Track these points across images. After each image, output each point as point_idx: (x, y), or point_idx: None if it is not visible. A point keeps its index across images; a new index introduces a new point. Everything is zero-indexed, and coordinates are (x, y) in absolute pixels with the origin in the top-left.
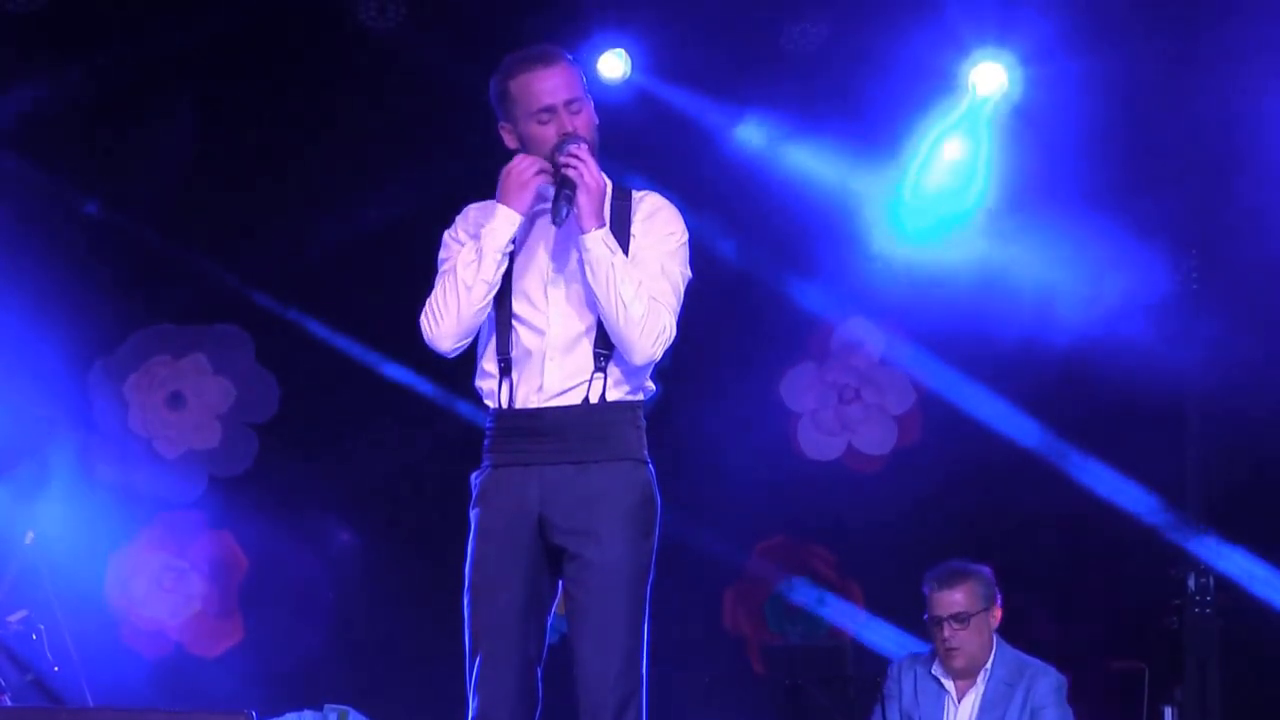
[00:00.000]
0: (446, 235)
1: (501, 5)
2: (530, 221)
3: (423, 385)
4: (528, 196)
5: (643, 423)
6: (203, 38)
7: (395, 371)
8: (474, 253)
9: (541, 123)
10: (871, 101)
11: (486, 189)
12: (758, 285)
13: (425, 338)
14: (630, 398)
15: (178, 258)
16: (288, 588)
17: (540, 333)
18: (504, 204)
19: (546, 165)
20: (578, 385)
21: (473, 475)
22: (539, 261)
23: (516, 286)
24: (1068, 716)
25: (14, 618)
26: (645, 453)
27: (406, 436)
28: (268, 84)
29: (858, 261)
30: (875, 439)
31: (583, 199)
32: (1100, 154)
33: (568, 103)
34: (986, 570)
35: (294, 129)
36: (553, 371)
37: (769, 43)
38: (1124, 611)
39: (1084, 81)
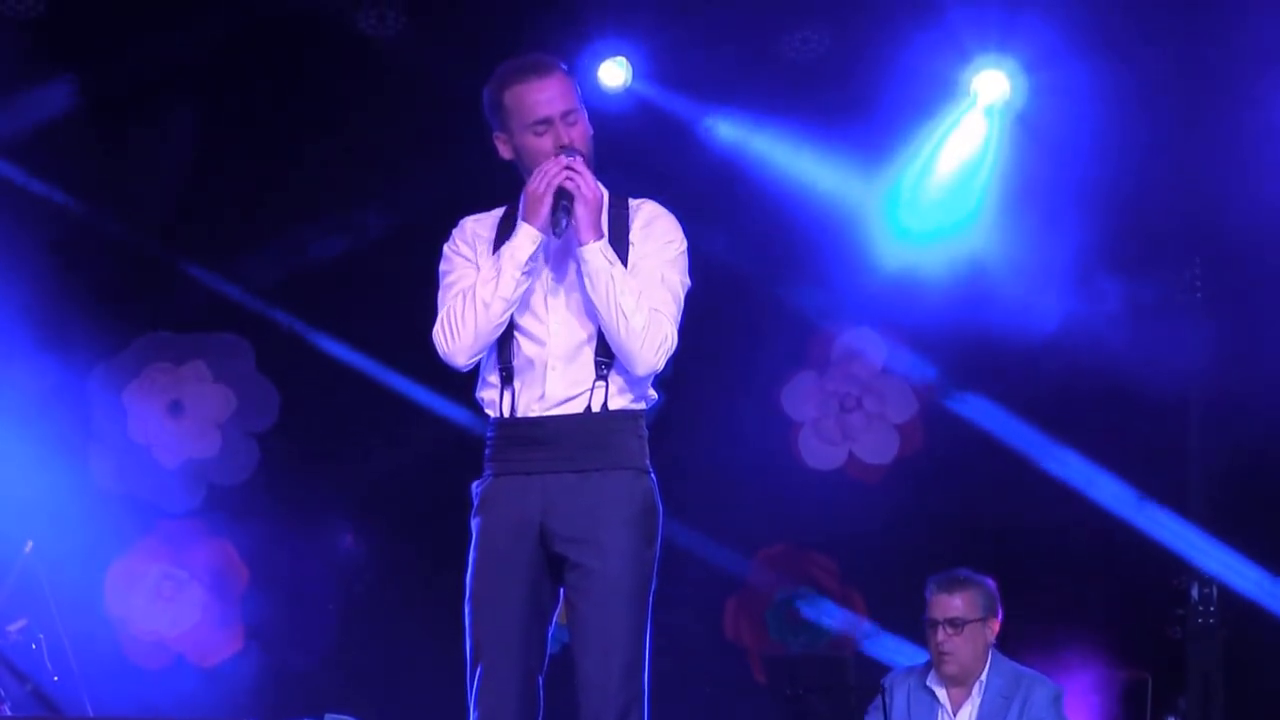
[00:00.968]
0: (446, 249)
1: (502, 13)
2: None
3: (423, 394)
4: (544, 211)
5: (645, 432)
6: (204, 45)
7: (396, 380)
8: (493, 269)
9: (538, 134)
10: (873, 109)
11: (488, 196)
12: (758, 293)
13: (440, 353)
14: (632, 406)
15: (177, 265)
16: (288, 597)
17: (541, 343)
18: (527, 222)
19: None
20: (580, 394)
21: (473, 484)
22: (538, 272)
23: None
24: None
25: (13, 627)
26: (647, 462)
27: (407, 445)
28: (268, 91)
29: (859, 270)
30: (877, 448)
31: (580, 210)
32: (1103, 161)
33: (564, 114)
34: (991, 583)
35: (294, 137)
36: (555, 380)
37: (770, 50)
38: (1127, 621)
39: (1086, 88)
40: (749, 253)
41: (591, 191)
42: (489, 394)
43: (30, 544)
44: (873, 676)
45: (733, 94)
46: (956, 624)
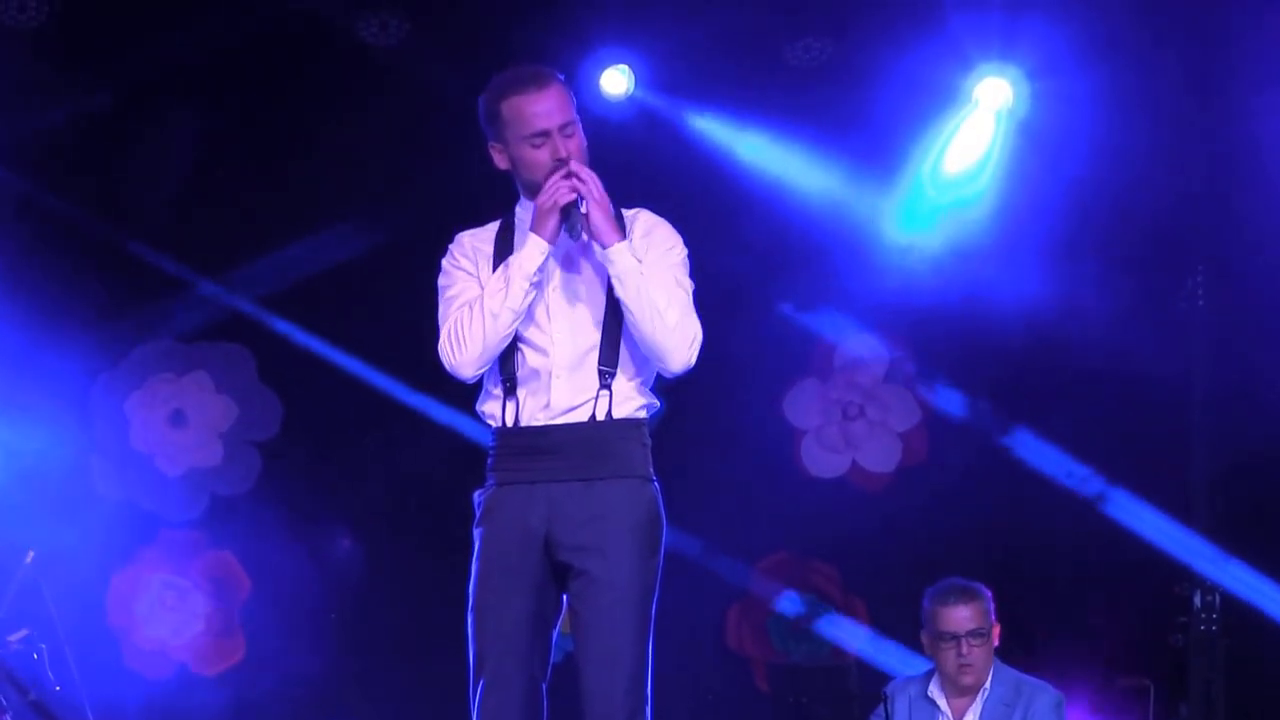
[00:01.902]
0: (445, 263)
1: (504, 22)
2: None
3: (425, 402)
4: (552, 224)
5: (648, 440)
6: (206, 54)
7: (397, 389)
8: (501, 281)
9: (535, 146)
10: (876, 116)
11: (490, 205)
12: (761, 301)
13: (447, 366)
14: (636, 414)
15: (179, 275)
16: (290, 606)
17: (545, 352)
18: (536, 233)
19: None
20: (584, 403)
21: (475, 493)
22: (544, 283)
23: None
24: None
25: (15, 637)
26: (651, 470)
27: (409, 454)
28: (270, 100)
29: (863, 277)
30: (879, 456)
31: (597, 215)
32: (1105, 168)
33: (561, 127)
34: (985, 588)
35: (296, 146)
36: (560, 389)
37: (773, 58)
38: (1129, 628)
39: (1089, 95)
40: (751, 260)
41: (602, 194)
42: (492, 404)
43: (32, 554)
44: (875, 685)
45: (735, 101)
46: (980, 634)
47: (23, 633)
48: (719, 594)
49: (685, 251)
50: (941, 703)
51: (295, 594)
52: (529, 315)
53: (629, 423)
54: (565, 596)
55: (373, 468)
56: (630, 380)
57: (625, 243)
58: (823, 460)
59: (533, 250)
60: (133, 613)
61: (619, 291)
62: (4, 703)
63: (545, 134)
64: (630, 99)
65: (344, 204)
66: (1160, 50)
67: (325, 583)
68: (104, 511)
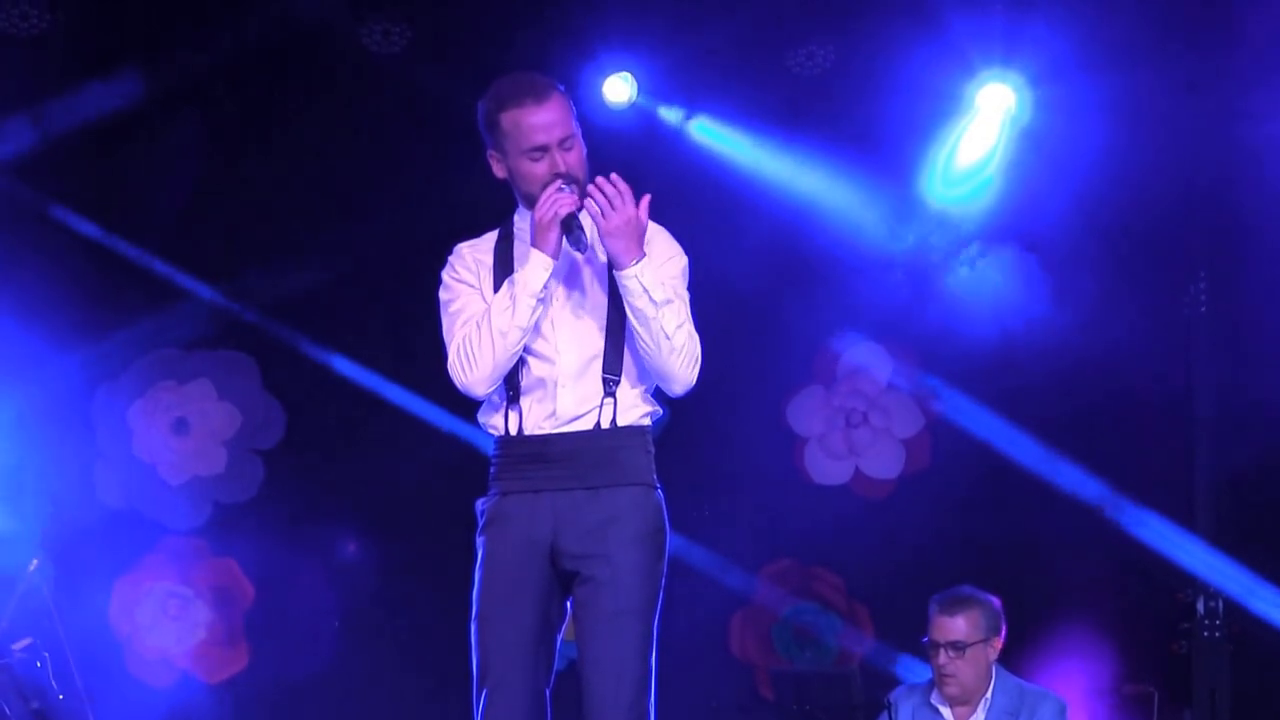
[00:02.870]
0: (447, 277)
1: (507, 29)
2: (528, 255)
3: (428, 410)
4: (554, 237)
5: (652, 447)
6: (209, 62)
7: (401, 396)
8: (508, 298)
9: (533, 160)
10: (879, 123)
11: (492, 213)
12: (764, 309)
13: (458, 384)
14: (640, 422)
15: (183, 283)
16: (293, 615)
17: (550, 361)
18: (538, 249)
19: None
20: (589, 411)
21: (478, 502)
22: (549, 296)
23: None
24: None
25: (18, 645)
26: (655, 477)
27: (413, 462)
28: (273, 109)
29: (866, 285)
30: (883, 463)
31: (614, 235)
32: (1108, 174)
33: (561, 141)
34: (995, 601)
35: (298, 154)
36: (565, 398)
37: (776, 65)
38: (1133, 635)
39: (1091, 102)
40: (754, 268)
41: (626, 217)
42: (495, 413)
43: (35, 562)
44: (879, 692)
45: (738, 109)
46: (958, 647)
47: (26, 641)
48: (722, 601)
49: (685, 262)
50: (945, 710)
51: (298, 602)
52: (534, 326)
53: (633, 430)
54: (569, 604)
55: (376, 475)
56: (634, 388)
57: (639, 265)
58: (826, 467)
59: (537, 267)
60: (136, 621)
61: (629, 314)
62: (8, 711)
63: (544, 148)
64: (633, 106)
65: (347, 211)
66: (1163, 56)
67: (328, 590)
68: (107, 519)
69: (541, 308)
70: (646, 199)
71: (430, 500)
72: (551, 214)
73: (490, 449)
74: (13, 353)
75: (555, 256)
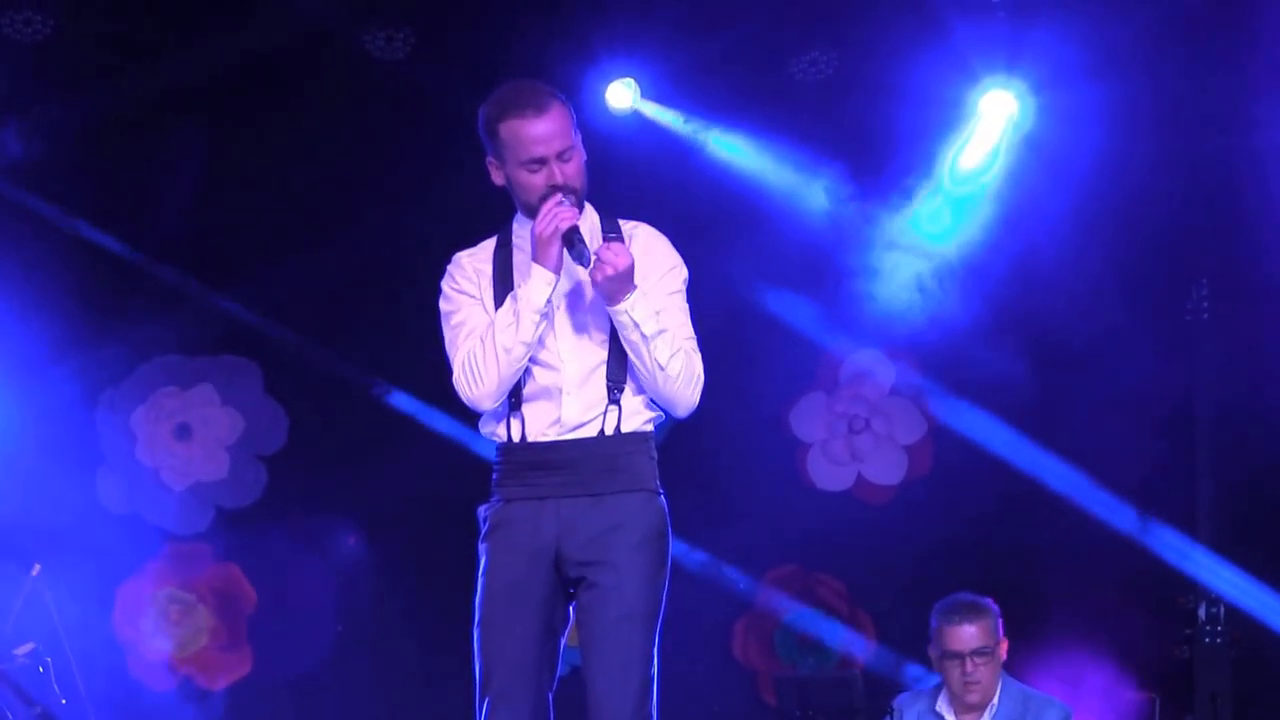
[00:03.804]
0: (447, 288)
1: (510, 35)
2: (527, 265)
3: (431, 416)
4: (554, 251)
5: (655, 453)
6: (212, 67)
7: (403, 402)
8: (511, 314)
9: (532, 171)
10: (881, 130)
11: (492, 219)
12: (766, 315)
13: (464, 399)
14: (643, 428)
15: (186, 288)
16: (295, 620)
17: (554, 369)
18: (539, 264)
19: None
20: (594, 418)
21: (480, 508)
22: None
23: None
24: None
25: (21, 650)
26: (658, 483)
27: (415, 468)
28: (275, 115)
29: (868, 291)
30: (885, 469)
31: (609, 285)
32: (1110, 180)
33: (560, 153)
34: (993, 604)
35: (301, 159)
36: (570, 405)
37: (778, 72)
38: (1135, 641)
39: (1094, 109)
40: (757, 274)
41: (614, 256)
42: (498, 421)
43: (38, 567)
44: (881, 698)
45: (740, 115)
46: (984, 653)
47: (29, 646)
48: (725, 606)
49: (686, 273)
50: (950, 717)
51: (301, 607)
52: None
53: (637, 436)
54: (571, 609)
55: (378, 480)
56: (637, 394)
57: (629, 301)
58: (828, 473)
59: (539, 283)
60: (138, 626)
61: (624, 344)
62: (10, 716)
63: (542, 160)
64: (635, 112)
65: (350, 217)
66: (1165, 63)
67: (331, 596)
68: (110, 525)
69: (545, 322)
70: (624, 246)
71: (432, 505)
72: (552, 228)
73: (492, 456)
74: (16, 358)
75: (557, 271)
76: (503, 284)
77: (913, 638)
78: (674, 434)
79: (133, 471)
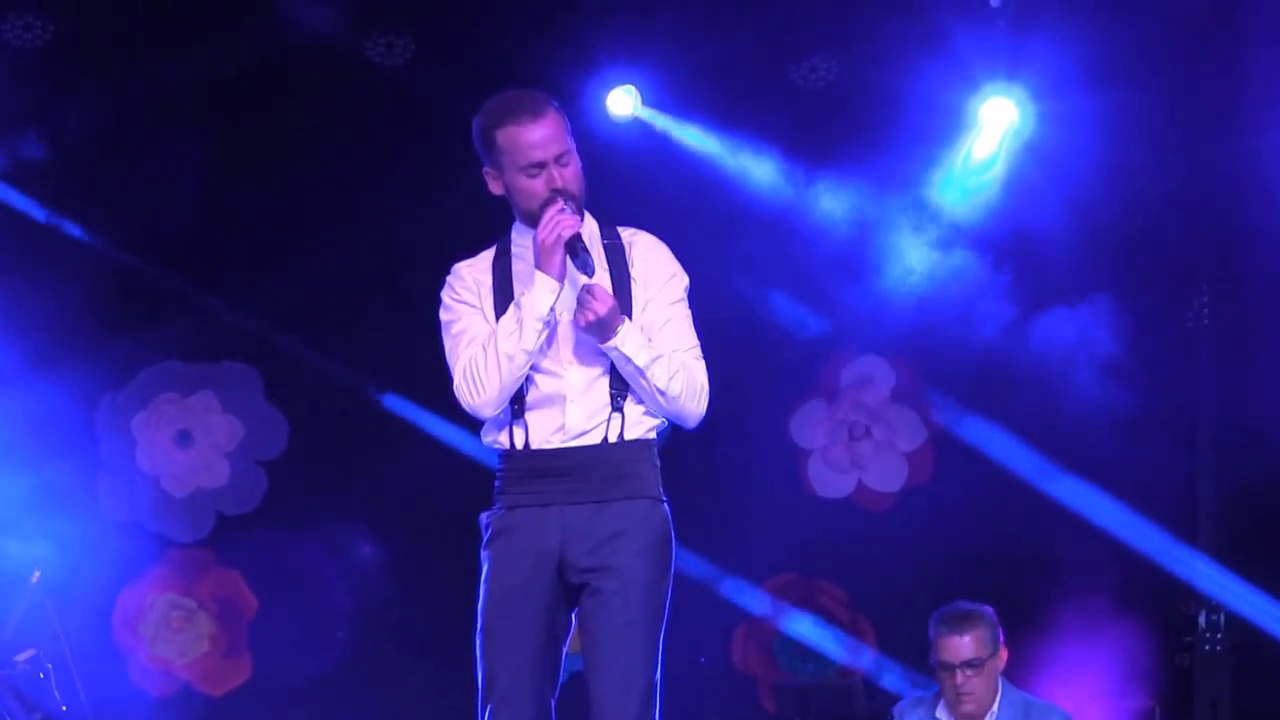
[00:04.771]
0: (447, 298)
1: (510, 42)
2: (529, 273)
3: (431, 422)
4: (558, 259)
5: (658, 460)
6: (212, 73)
7: (404, 408)
8: (514, 322)
9: (530, 176)
10: (882, 136)
11: (491, 226)
12: (767, 322)
13: (465, 407)
14: (646, 435)
15: (186, 295)
16: (296, 626)
17: (558, 377)
18: (542, 272)
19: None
20: (597, 425)
21: (483, 515)
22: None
23: None
24: None
25: (21, 657)
26: (661, 490)
27: (415, 474)
28: (276, 121)
29: (869, 298)
30: (886, 476)
31: (598, 321)
32: (1111, 188)
33: (557, 157)
34: (991, 611)
35: (302, 166)
36: (575, 412)
37: (778, 78)
38: (1135, 649)
39: (1094, 117)
40: (757, 280)
41: (599, 304)
42: (500, 428)
43: (38, 573)
44: (881, 705)
45: (740, 122)
46: (975, 665)
47: (29, 652)
48: (726, 614)
49: (686, 281)
50: None
51: (301, 613)
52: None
53: (640, 444)
54: (573, 616)
55: (378, 486)
56: (640, 402)
57: (621, 335)
58: (829, 480)
59: (543, 290)
60: (139, 632)
61: (622, 374)
62: None
63: (541, 165)
64: (636, 119)
65: (350, 223)
66: (1165, 71)
67: (332, 602)
68: (110, 531)
69: (548, 330)
70: (604, 290)
71: (433, 511)
72: (555, 236)
73: (495, 463)
74: (16, 364)
75: (560, 279)
76: (503, 293)
77: (914, 645)
78: (674, 440)
79: (133, 478)
